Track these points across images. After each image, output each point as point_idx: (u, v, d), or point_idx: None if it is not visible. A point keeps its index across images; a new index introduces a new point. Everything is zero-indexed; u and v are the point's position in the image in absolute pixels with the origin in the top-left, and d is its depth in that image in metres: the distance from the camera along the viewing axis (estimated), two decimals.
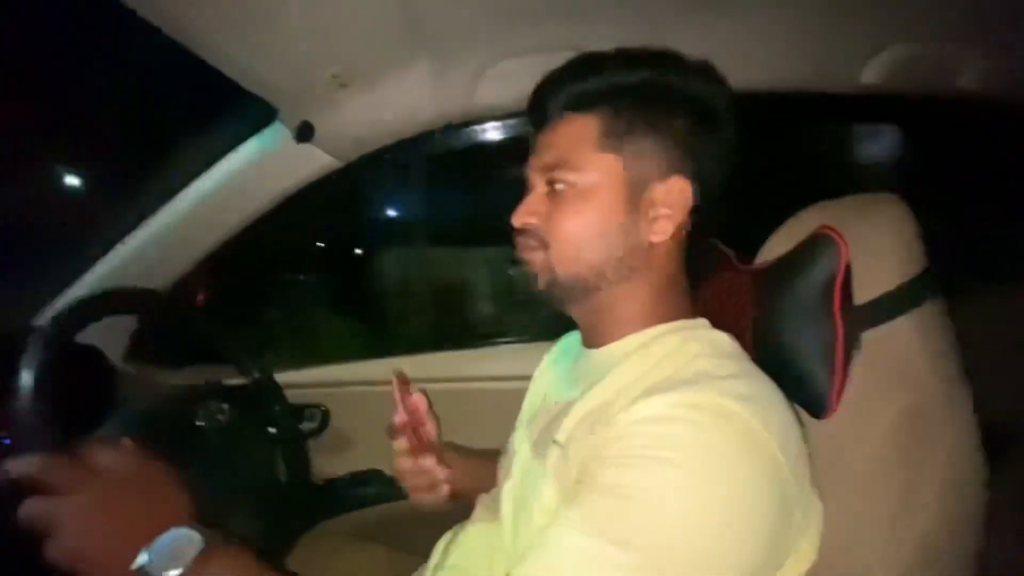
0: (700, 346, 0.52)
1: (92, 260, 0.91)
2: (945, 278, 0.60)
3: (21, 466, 0.45)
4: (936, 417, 0.51)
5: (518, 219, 0.59)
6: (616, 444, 0.44)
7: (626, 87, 0.56)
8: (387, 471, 1.13)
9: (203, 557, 0.44)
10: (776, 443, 0.43)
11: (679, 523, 0.40)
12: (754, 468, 0.42)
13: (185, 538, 0.44)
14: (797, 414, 0.52)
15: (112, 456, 0.48)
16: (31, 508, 0.44)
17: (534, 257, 0.57)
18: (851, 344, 0.56)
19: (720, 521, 0.40)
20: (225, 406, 0.70)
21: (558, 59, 0.79)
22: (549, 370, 0.72)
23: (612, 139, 0.55)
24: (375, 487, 1.11)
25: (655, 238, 0.55)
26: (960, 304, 0.61)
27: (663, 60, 0.60)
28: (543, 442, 0.55)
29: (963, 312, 0.61)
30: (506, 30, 0.76)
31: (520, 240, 0.59)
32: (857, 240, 0.59)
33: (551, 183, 0.57)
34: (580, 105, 0.57)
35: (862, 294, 0.57)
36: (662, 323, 0.57)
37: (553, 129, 0.58)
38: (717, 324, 0.72)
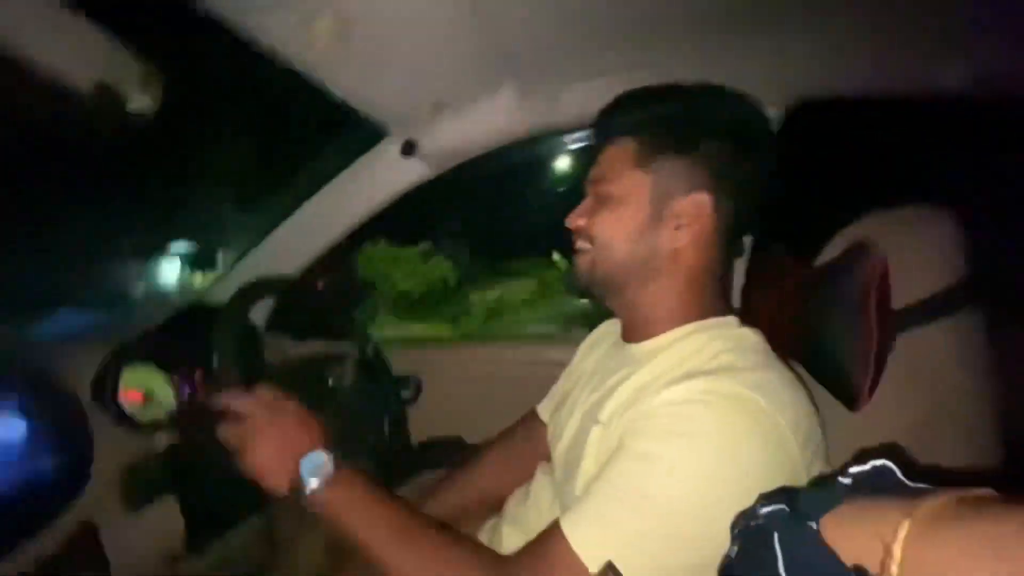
0: (724, 343, 0.60)
1: (244, 251, 1.15)
2: (999, 290, 0.62)
3: (223, 399, 0.65)
4: (952, 423, 0.55)
5: (569, 221, 0.71)
6: (646, 421, 0.54)
7: (661, 116, 0.66)
8: (467, 438, 1.29)
9: (336, 476, 0.60)
10: (786, 423, 0.51)
11: (694, 483, 0.49)
12: (763, 442, 0.50)
13: (323, 460, 0.61)
14: (816, 405, 0.58)
15: (274, 396, 0.66)
16: (228, 431, 0.63)
17: (581, 259, 0.69)
18: (885, 346, 0.61)
19: (730, 481, 0.49)
20: (350, 372, 0.88)
21: (628, 79, 0.88)
22: (589, 354, 0.83)
23: (644, 159, 0.64)
24: (457, 452, 1.28)
25: (677, 244, 0.63)
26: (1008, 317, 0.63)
27: (698, 92, 0.69)
28: (590, 417, 0.66)
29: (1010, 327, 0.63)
30: (579, 56, 0.85)
31: (575, 238, 0.71)
32: (900, 250, 0.63)
33: (596, 193, 0.68)
34: (624, 131, 0.67)
35: (900, 300, 0.62)
36: (692, 321, 0.64)
37: (605, 150, 0.69)
38: (771, 320, 0.78)
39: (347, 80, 0.83)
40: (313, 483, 0.60)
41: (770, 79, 0.89)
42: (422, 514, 0.63)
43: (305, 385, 0.84)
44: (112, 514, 0.79)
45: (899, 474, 0.32)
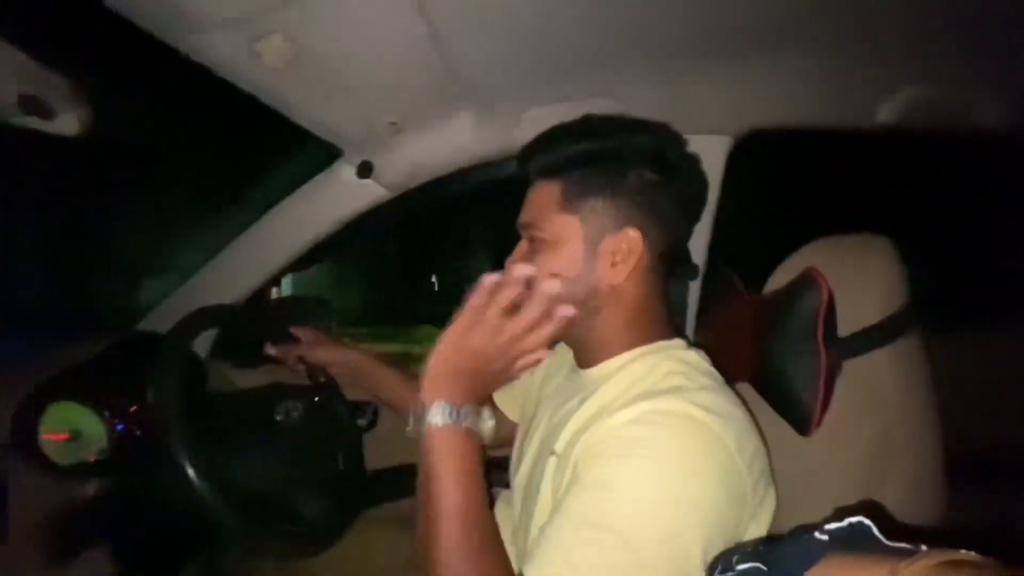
0: (672, 364, 0.60)
1: (189, 274, 1.08)
2: (941, 315, 0.66)
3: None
4: (901, 445, 0.57)
5: (507, 266, 0.69)
6: (600, 446, 0.53)
7: (580, 156, 0.65)
8: None
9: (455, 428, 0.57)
10: (733, 443, 0.52)
11: (649, 505, 0.49)
12: (712, 461, 0.51)
13: (463, 414, 0.58)
14: (760, 429, 0.59)
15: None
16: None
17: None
18: (833, 371, 0.63)
19: (687, 501, 0.49)
20: (299, 405, 0.84)
21: (585, 107, 0.89)
22: (550, 378, 0.81)
23: (571, 202, 0.64)
24: (416, 479, 1.24)
25: (614, 280, 0.63)
26: (947, 340, 0.67)
27: (612, 127, 0.68)
28: (546, 447, 0.66)
29: (950, 347, 0.67)
30: (537, 82, 0.86)
31: None
32: (845, 278, 0.66)
33: (530, 238, 0.67)
34: (545, 174, 0.67)
35: (846, 327, 0.64)
36: (640, 345, 0.65)
37: (530, 193, 0.69)
38: (724, 344, 0.80)
39: (298, 102, 0.81)
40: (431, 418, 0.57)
41: (721, 107, 0.92)
42: (495, 521, 0.58)
43: (249, 423, 0.79)
44: (33, 568, 0.72)
45: (876, 531, 0.31)
